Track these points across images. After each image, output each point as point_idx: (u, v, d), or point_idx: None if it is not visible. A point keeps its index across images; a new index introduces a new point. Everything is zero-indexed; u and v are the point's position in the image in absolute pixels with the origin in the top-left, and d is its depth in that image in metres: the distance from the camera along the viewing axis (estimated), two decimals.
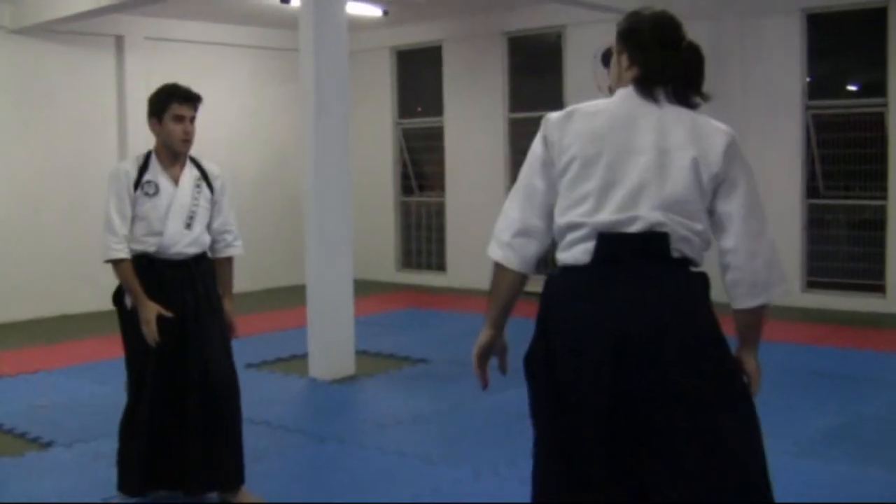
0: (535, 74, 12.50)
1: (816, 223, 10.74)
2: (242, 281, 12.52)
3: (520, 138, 12.22)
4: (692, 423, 2.76)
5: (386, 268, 13.46)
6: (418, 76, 13.55)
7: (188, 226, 4.68)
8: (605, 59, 10.54)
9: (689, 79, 3.07)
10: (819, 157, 10.61)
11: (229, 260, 5.01)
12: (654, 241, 2.84)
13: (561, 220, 2.94)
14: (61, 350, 9.17)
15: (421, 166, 13.66)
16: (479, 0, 11.31)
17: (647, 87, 3.03)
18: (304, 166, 7.79)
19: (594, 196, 2.88)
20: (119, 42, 11.54)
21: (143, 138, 11.64)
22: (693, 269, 2.92)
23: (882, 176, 10.21)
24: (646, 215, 2.84)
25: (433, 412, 6.56)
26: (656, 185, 2.86)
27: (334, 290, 7.70)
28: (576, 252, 2.89)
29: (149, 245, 4.62)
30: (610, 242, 2.85)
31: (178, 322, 4.55)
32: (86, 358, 8.62)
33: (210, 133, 12.31)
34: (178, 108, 4.70)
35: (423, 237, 13.47)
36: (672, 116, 2.96)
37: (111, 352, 8.97)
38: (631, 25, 3.24)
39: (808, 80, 10.58)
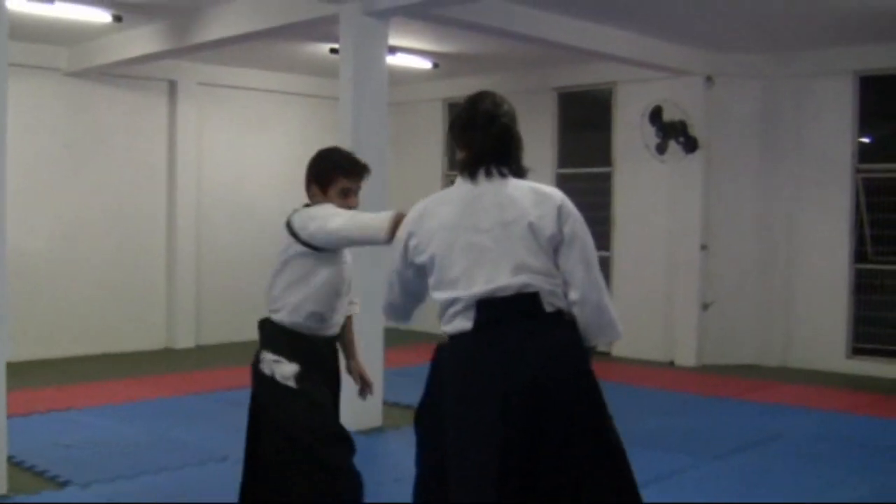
0: (585, 130, 12.46)
1: (864, 288, 10.52)
2: None
3: (568, 193, 11.92)
4: (567, 460, 3.11)
5: (421, 316, 13.35)
6: None
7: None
8: (653, 117, 10.49)
9: (505, 154, 3.38)
10: (868, 220, 10.42)
11: (350, 318, 4.70)
12: (526, 301, 3.19)
13: (440, 295, 3.31)
14: (96, 389, 9.23)
15: None
16: (529, 55, 11.29)
17: (472, 168, 3.35)
18: None
19: (463, 277, 3.24)
20: (172, 87, 11.73)
21: (193, 181, 11.99)
22: (566, 317, 3.26)
23: None
24: (511, 281, 3.18)
25: None
26: (509, 254, 3.21)
27: (364, 338, 7.63)
28: (458, 322, 3.25)
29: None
30: (488, 307, 3.19)
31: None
32: (119, 398, 8.67)
33: (261, 181, 12.56)
34: (344, 182, 4.30)
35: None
36: (509, 190, 3.30)
37: (144, 392, 9.11)
38: (452, 117, 3.56)
39: (858, 142, 10.41)
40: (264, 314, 4.34)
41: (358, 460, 5.07)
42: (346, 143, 7.58)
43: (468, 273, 3.23)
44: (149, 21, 9.57)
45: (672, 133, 10.43)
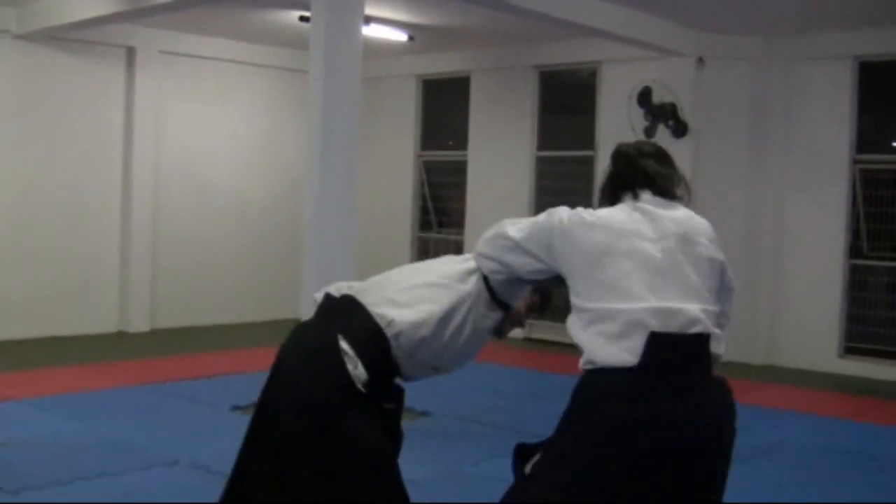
0: (567, 112, 11.88)
1: (859, 285, 10.02)
2: (245, 311, 12.21)
3: (547, 177, 11.59)
4: None
5: None
6: (443, 107, 12.96)
7: None
8: (641, 99, 9.92)
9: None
10: (865, 214, 9.90)
11: None
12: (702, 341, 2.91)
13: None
14: (39, 377, 8.51)
15: (441, 201, 13.02)
16: (510, 30, 10.70)
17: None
18: (307, 196, 7.18)
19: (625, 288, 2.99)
20: (130, 54, 10.98)
21: (151, 155, 11.29)
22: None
23: None
24: (685, 307, 2.92)
25: (424, 478, 5.82)
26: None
27: None
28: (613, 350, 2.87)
29: None
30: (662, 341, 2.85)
31: None
32: (63, 388, 7.99)
33: (221, 153, 11.88)
34: None
35: None
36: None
37: (90, 382, 8.44)
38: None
39: (857, 132, 9.88)
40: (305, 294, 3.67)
41: None
42: (315, 120, 6.99)
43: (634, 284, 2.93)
44: None
45: (661, 116, 9.87)
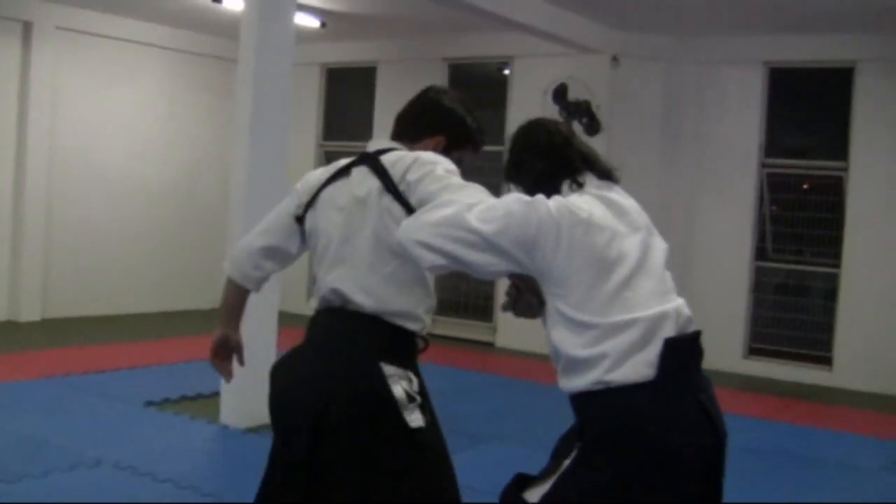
0: (477, 105, 11.72)
1: (763, 287, 10.19)
2: (144, 300, 11.74)
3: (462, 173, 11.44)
4: None
5: (296, 300, 12.49)
6: (348, 97, 12.72)
7: None
8: (557, 95, 9.88)
9: None
10: (770, 217, 10.08)
11: None
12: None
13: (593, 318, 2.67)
14: None
15: None
16: (421, 21, 10.54)
17: None
18: (235, 185, 6.90)
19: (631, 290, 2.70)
20: (27, 29, 10.41)
21: (46, 137, 10.73)
22: None
23: (836, 242, 9.71)
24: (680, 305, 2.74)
25: None
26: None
27: (255, 320, 6.73)
28: (630, 367, 2.55)
29: None
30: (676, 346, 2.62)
31: None
32: None
33: (120, 136, 11.38)
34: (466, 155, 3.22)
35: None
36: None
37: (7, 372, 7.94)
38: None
39: (765, 135, 10.04)
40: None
41: (251, 465, 4.23)
42: (245, 108, 6.74)
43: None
44: None
45: (576, 113, 9.84)
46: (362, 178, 2.96)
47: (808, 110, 10.23)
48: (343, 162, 3.10)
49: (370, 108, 12.13)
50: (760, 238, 10.13)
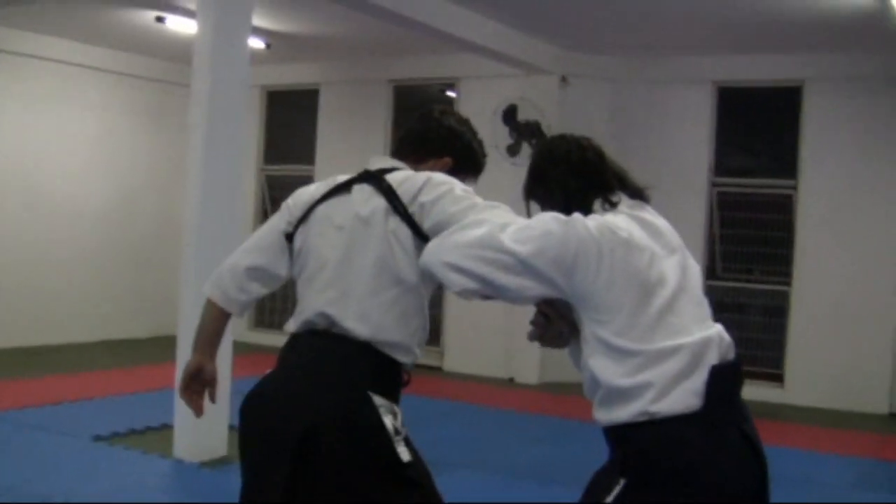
0: None
1: (713, 306, 10.13)
2: (81, 330, 11.32)
3: None
4: None
5: (236, 325, 12.14)
6: (290, 120, 12.52)
7: None
8: (507, 116, 9.79)
9: None
10: (720, 236, 10.08)
11: None
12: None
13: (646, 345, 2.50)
14: None
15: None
16: (366, 43, 10.39)
17: None
18: (188, 208, 6.69)
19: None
20: None
21: None
22: None
23: (786, 261, 9.74)
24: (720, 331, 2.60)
25: None
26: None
27: None
28: (676, 396, 2.40)
29: None
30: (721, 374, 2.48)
31: None
32: None
33: (56, 159, 11.00)
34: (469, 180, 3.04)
35: (279, 294, 12.26)
36: None
37: None
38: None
39: (715, 155, 10.05)
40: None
41: (207, 499, 4.00)
42: (199, 133, 6.54)
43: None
44: None
45: (526, 134, 9.76)
46: (366, 197, 2.80)
47: (757, 129, 10.27)
48: (341, 178, 2.93)
49: (313, 131, 11.94)
50: (710, 257, 10.11)
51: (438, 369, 10.74)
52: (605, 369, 2.42)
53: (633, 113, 10.23)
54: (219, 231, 6.61)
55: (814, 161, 9.54)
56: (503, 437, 7.70)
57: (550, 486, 6.06)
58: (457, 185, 2.72)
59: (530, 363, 10.24)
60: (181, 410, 6.49)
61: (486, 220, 2.48)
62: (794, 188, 9.63)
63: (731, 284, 10.13)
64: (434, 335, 10.99)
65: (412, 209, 2.71)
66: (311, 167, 11.87)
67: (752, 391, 9.53)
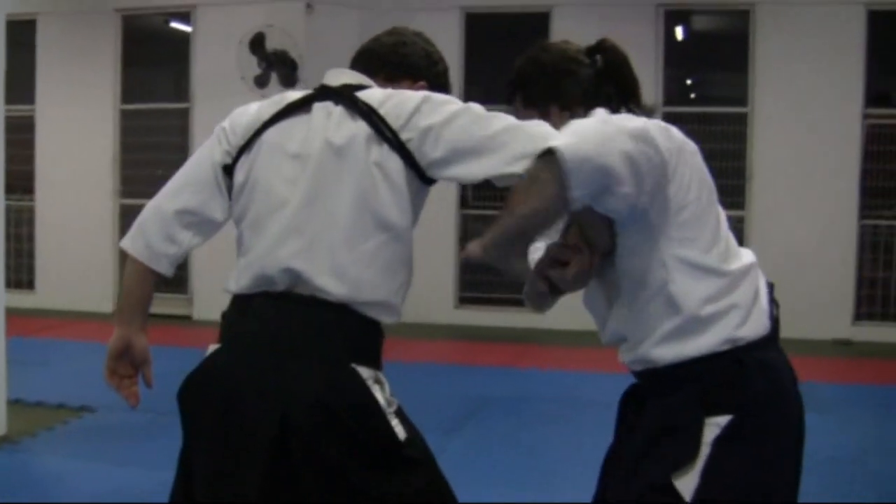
0: (155, 62, 10.91)
1: (470, 236, 10.16)
2: None
3: (134, 133, 10.57)
4: None
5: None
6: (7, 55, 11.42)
7: None
8: (254, 45, 9.31)
9: None
10: None
11: None
12: None
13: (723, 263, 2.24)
14: None
15: (5, 163, 11.45)
16: None
17: None
18: None
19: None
20: None
21: None
22: None
23: None
24: None
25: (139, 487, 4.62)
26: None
27: None
28: (756, 320, 2.21)
29: None
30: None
31: None
32: None
33: None
34: None
35: (8, 249, 11.25)
36: None
37: None
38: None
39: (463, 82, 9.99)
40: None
41: None
42: None
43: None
44: None
45: (275, 63, 9.30)
46: (338, 120, 2.24)
47: (505, 56, 10.23)
48: (293, 95, 2.37)
49: (31, 67, 10.92)
50: (463, 187, 10.06)
51: (188, 318, 10.13)
52: (691, 293, 2.08)
53: None
54: None
55: None
56: None
57: None
58: (472, 105, 2.17)
59: None
60: None
61: (552, 131, 1.98)
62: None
63: (483, 213, 10.11)
64: (181, 282, 10.37)
65: (406, 135, 2.18)
66: (32, 107, 10.89)
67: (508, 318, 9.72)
